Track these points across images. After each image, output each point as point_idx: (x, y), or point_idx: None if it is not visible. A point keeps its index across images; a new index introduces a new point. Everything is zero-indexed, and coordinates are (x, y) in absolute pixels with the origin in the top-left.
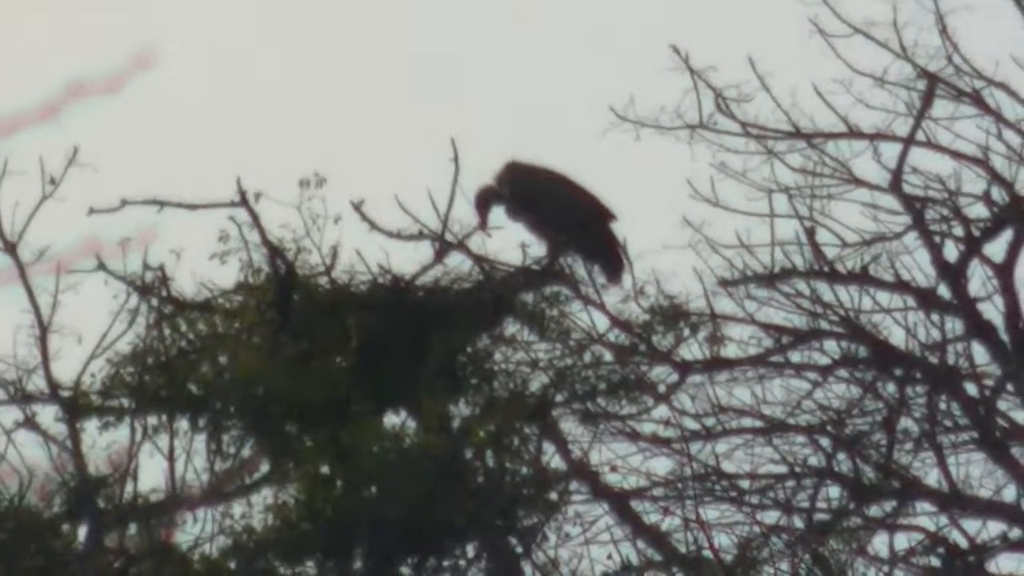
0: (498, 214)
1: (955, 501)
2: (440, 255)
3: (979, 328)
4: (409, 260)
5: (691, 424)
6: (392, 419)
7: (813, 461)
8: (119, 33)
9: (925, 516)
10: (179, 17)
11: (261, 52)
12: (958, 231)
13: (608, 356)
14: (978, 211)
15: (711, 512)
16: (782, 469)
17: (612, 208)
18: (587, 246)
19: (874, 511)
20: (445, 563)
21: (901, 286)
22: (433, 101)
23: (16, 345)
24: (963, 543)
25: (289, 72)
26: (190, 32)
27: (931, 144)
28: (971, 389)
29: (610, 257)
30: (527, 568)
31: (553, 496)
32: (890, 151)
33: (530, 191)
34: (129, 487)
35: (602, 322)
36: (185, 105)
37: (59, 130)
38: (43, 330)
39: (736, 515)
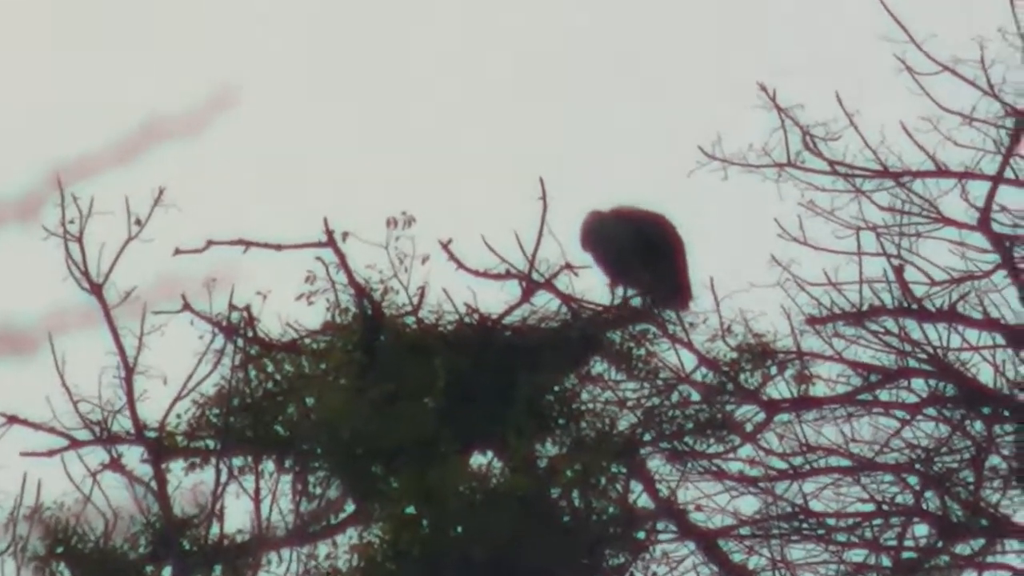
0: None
1: None
2: (527, 295)
3: None
4: (496, 300)
5: (778, 463)
6: (479, 459)
7: (901, 499)
8: (196, 73)
9: (1014, 555)
10: (258, 57)
11: (343, 92)
12: None
13: (695, 395)
14: None
15: (798, 551)
16: (870, 507)
17: (677, 236)
18: (650, 276)
19: (962, 549)
20: None
21: (990, 324)
22: (519, 140)
23: (101, 386)
24: None
25: (373, 111)
26: (269, 72)
27: (1019, 181)
28: None
29: (675, 284)
30: None
31: (640, 535)
32: (978, 189)
33: (592, 239)
34: (214, 528)
35: (689, 360)
36: (266, 146)
37: (138, 171)
38: (128, 371)
39: (823, 554)
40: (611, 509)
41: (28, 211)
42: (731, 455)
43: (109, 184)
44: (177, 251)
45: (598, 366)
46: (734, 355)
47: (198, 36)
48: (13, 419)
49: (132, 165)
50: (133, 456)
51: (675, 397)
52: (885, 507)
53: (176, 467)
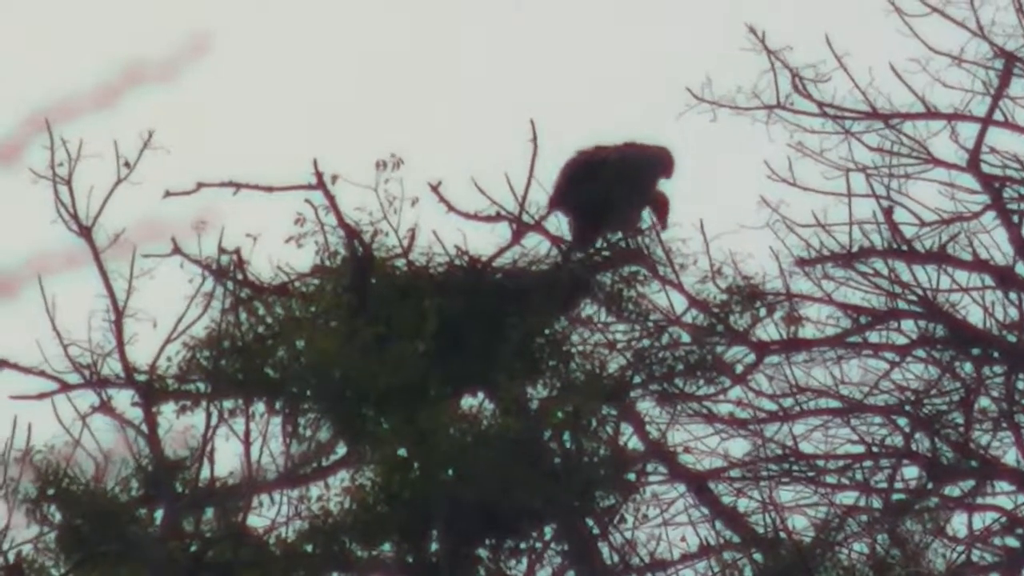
0: None
1: None
2: (517, 236)
3: None
4: (486, 242)
5: (768, 405)
6: (469, 401)
7: (891, 441)
8: (174, 18)
9: (1003, 496)
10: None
11: (326, 35)
12: None
13: (685, 337)
14: None
15: (788, 493)
16: (859, 449)
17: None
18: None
19: (952, 491)
20: (522, 545)
21: (979, 265)
22: (511, 82)
23: (91, 329)
24: None
25: (358, 54)
26: (248, 15)
27: (1009, 123)
28: None
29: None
30: (604, 550)
31: (630, 477)
32: (968, 131)
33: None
34: (205, 471)
35: (680, 302)
36: (247, 91)
37: (119, 115)
38: (118, 314)
39: (813, 496)
40: (601, 451)
41: (8, 154)
42: (721, 397)
43: (90, 127)
44: (167, 193)
45: (588, 308)
46: (724, 297)
47: None
48: (3, 363)
49: (112, 109)
50: (123, 399)
51: (665, 339)
52: (875, 449)
53: (167, 410)
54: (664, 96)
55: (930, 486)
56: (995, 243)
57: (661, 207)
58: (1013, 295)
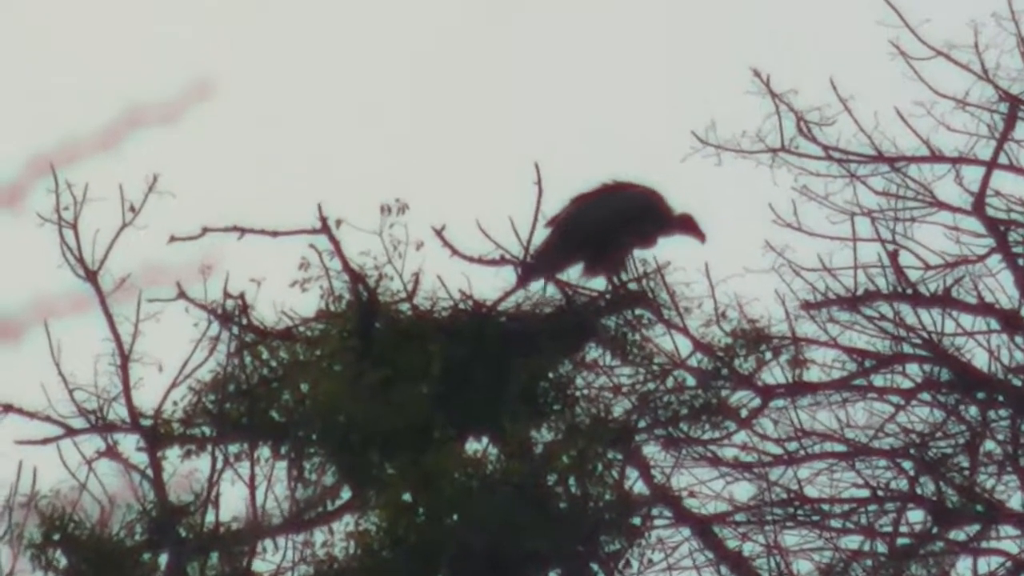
0: None
1: None
2: (522, 280)
3: None
4: (491, 286)
5: (773, 449)
6: (474, 445)
7: (896, 485)
8: (177, 61)
9: (1009, 540)
10: (238, 45)
11: (330, 78)
12: None
13: (690, 380)
14: None
15: (793, 537)
16: (864, 493)
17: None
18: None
19: (957, 535)
20: None
21: (984, 308)
22: (515, 126)
23: (97, 374)
24: None
25: (362, 99)
26: (250, 59)
27: (1013, 167)
28: None
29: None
30: None
31: (635, 521)
32: (972, 174)
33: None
34: (210, 516)
35: (685, 346)
36: (251, 135)
37: (121, 158)
38: (124, 358)
39: (818, 540)
40: (607, 495)
41: (13, 198)
42: (726, 441)
43: (95, 171)
44: (172, 238)
45: (593, 352)
46: (729, 340)
47: (173, 23)
48: (8, 408)
49: (117, 152)
50: (129, 444)
51: (670, 382)
52: (880, 493)
53: (172, 454)
54: (668, 139)
55: (935, 530)
56: (1000, 286)
57: (688, 226)
58: (1018, 338)
